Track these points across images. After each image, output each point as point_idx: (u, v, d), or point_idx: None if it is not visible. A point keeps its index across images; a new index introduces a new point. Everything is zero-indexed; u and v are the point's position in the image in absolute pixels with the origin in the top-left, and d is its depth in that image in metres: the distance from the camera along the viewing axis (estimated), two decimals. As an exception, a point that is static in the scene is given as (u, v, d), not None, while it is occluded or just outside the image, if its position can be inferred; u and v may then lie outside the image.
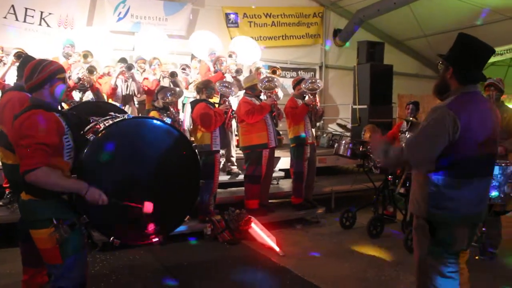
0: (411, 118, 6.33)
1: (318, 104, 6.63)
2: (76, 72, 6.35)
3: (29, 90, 2.70)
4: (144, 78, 7.60)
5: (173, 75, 7.52)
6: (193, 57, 8.95)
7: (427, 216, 2.57)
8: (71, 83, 6.25)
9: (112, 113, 3.33)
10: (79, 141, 2.80)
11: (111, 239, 3.06)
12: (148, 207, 2.88)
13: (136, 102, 7.83)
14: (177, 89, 6.52)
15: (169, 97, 5.67)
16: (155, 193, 3.09)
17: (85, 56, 6.91)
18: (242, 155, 6.45)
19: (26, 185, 2.54)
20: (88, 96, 6.60)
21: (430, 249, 2.58)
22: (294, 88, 6.73)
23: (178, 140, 3.34)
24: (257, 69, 8.47)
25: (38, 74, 2.63)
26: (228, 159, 7.20)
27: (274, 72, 8.98)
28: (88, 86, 6.56)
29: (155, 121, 3.37)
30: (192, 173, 3.45)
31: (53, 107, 2.69)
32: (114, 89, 7.06)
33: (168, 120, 5.13)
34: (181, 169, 3.34)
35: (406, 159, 2.61)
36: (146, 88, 7.43)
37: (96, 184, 2.67)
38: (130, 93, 7.46)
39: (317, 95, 6.54)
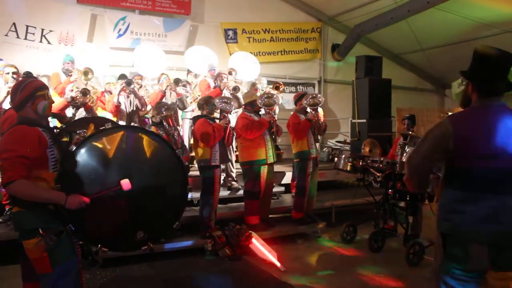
0: (409, 132, 6.34)
1: (321, 118, 6.66)
2: (69, 89, 6.35)
3: (15, 110, 2.84)
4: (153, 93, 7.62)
5: (181, 98, 7.57)
6: (189, 72, 8.95)
7: (438, 228, 2.53)
8: (63, 101, 6.25)
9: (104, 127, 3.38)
10: (64, 153, 2.92)
11: (99, 246, 3.07)
12: (126, 185, 2.96)
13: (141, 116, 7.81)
14: (169, 102, 6.63)
15: (164, 112, 5.78)
16: (142, 201, 3.13)
17: (86, 73, 6.86)
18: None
19: (12, 198, 2.64)
20: (82, 113, 6.56)
21: (442, 263, 2.49)
22: (295, 103, 6.77)
23: (163, 149, 3.41)
24: (253, 85, 8.43)
25: (20, 94, 2.77)
26: (229, 175, 7.19)
27: (277, 88, 8.84)
28: (81, 105, 6.53)
29: (136, 131, 3.40)
30: (179, 180, 3.49)
31: (37, 122, 2.78)
32: (118, 106, 7.01)
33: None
34: (167, 177, 3.41)
35: (407, 170, 2.61)
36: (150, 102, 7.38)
37: (78, 191, 2.80)
38: (134, 109, 7.47)
39: (321, 110, 6.58)
